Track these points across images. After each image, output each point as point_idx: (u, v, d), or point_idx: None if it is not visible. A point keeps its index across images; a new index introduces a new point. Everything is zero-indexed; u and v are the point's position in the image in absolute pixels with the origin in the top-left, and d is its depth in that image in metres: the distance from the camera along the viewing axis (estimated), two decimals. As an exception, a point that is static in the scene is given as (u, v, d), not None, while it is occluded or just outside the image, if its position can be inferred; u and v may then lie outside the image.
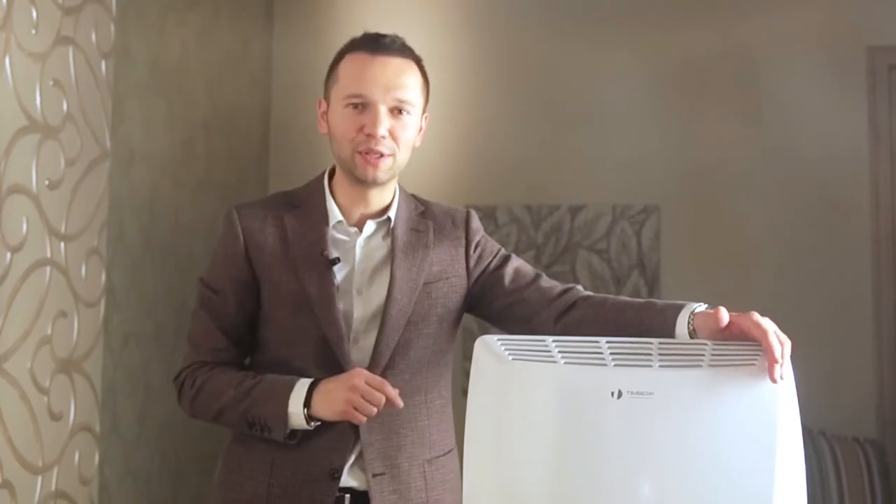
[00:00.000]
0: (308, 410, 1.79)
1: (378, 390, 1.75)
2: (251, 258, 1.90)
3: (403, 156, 1.90)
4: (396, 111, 1.86)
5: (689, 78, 4.08)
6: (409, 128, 1.88)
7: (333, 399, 1.77)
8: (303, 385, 1.81)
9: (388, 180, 1.90)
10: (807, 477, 1.47)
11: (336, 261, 1.87)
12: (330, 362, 1.85)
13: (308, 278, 1.86)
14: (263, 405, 1.82)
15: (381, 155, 1.85)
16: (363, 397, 1.75)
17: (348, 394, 1.75)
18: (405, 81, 1.87)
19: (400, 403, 1.77)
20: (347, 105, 1.86)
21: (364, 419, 1.77)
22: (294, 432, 1.83)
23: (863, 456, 3.62)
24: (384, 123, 1.84)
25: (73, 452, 2.99)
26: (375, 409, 1.76)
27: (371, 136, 1.84)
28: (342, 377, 1.79)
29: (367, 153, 1.85)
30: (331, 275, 1.86)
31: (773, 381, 1.46)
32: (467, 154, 4.25)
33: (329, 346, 1.85)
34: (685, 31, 4.11)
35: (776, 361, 1.47)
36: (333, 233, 1.91)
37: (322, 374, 1.84)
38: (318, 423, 1.81)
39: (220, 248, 1.95)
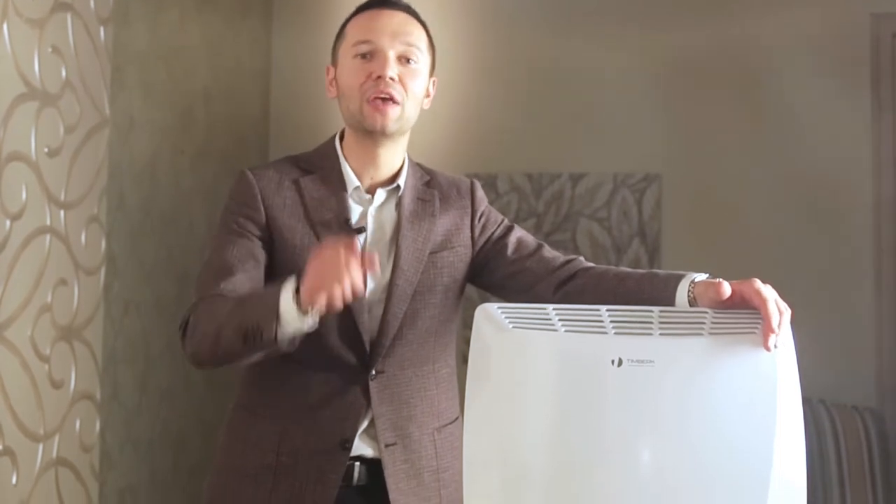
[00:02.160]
0: (299, 297, 1.61)
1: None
2: (269, 218, 1.86)
3: (412, 108, 1.89)
4: (404, 59, 1.87)
5: (692, 51, 4.05)
6: (417, 77, 1.88)
7: (324, 274, 1.58)
8: (292, 278, 1.64)
9: (397, 132, 1.89)
10: (806, 445, 1.48)
11: (362, 230, 1.86)
12: (349, 330, 1.85)
13: None
14: (255, 307, 1.66)
15: (390, 100, 1.84)
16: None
17: (339, 272, 1.57)
18: (412, 30, 1.89)
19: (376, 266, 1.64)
20: (356, 56, 1.87)
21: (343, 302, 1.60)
22: (290, 340, 1.65)
23: (861, 424, 3.63)
24: (392, 68, 1.84)
25: (74, 420, 3.00)
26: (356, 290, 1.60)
27: (381, 79, 1.83)
28: (328, 257, 1.59)
29: (375, 99, 1.83)
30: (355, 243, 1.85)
31: (767, 349, 1.47)
32: (468, 122, 4.23)
33: (350, 314, 1.83)
34: (689, 7, 4.08)
35: (772, 331, 1.47)
36: (350, 200, 1.89)
37: (340, 342, 1.84)
38: (315, 318, 1.63)
39: (235, 206, 1.88)
